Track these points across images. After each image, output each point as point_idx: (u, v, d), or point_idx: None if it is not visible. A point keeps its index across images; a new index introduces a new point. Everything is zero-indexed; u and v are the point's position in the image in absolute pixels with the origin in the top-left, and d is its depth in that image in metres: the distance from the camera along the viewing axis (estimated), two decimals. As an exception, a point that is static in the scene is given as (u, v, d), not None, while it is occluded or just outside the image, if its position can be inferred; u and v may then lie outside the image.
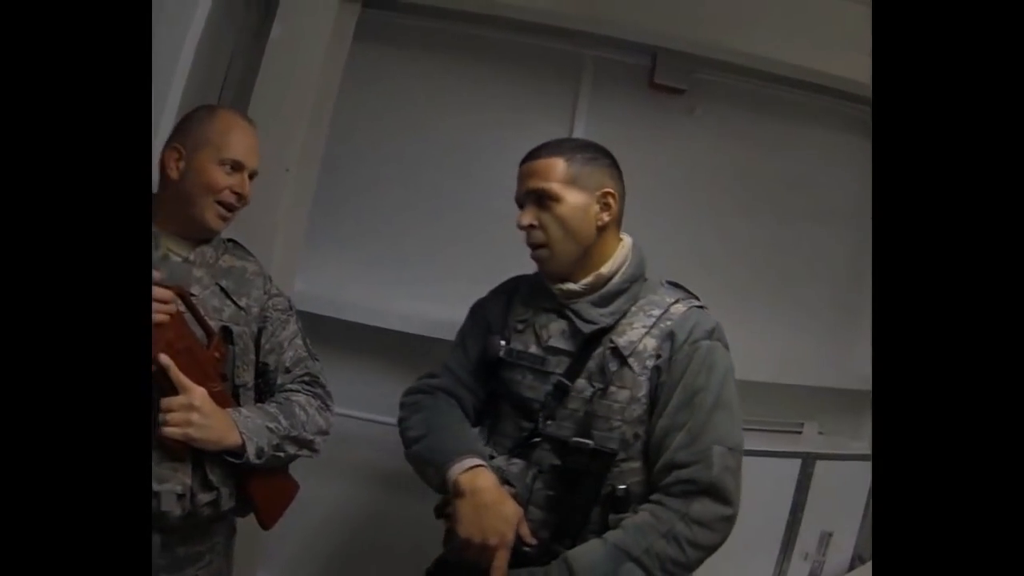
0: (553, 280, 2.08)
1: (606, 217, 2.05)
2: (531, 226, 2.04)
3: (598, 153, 2.10)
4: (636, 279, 2.08)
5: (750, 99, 3.61)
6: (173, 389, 1.84)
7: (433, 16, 3.51)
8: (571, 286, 2.06)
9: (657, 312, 2.01)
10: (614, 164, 2.12)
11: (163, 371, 1.82)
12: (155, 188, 2.04)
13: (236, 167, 2.05)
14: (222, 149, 2.04)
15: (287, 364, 2.16)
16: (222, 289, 2.07)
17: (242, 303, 2.09)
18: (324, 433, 2.14)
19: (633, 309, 2.03)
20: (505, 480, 1.94)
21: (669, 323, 1.99)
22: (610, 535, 1.84)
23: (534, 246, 2.06)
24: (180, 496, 1.88)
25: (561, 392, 2.00)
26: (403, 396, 2.24)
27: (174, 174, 2.03)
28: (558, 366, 2.02)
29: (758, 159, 3.52)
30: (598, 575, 1.79)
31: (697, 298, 2.11)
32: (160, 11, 2.43)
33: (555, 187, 2.01)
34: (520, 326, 2.13)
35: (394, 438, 2.54)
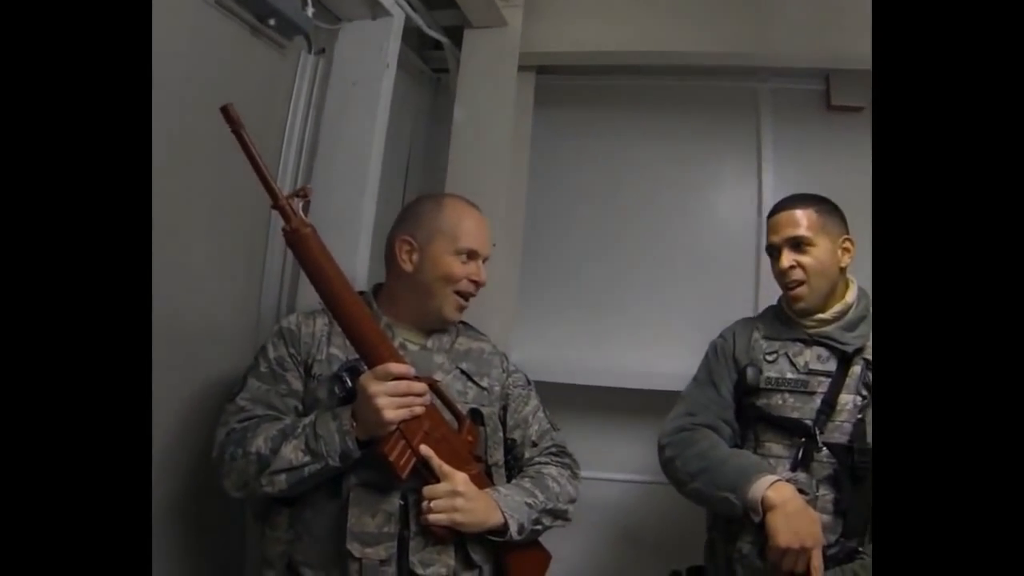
0: (804, 315, 2.37)
1: (847, 259, 2.39)
2: (791, 267, 2.32)
3: (833, 207, 2.41)
4: (870, 309, 2.34)
5: (932, 105, 3.51)
6: (435, 477, 1.88)
7: (607, 73, 3.59)
8: (822, 316, 2.35)
9: None
10: (843, 216, 2.42)
11: (424, 461, 1.87)
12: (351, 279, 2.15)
13: (471, 255, 2.11)
14: (457, 239, 2.09)
15: (533, 438, 2.19)
16: (463, 372, 2.11)
17: (484, 384, 2.13)
18: (574, 501, 2.16)
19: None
20: (800, 490, 2.12)
21: None
22: None
23: (794, 284, 2.34)
24: None
25: (829, 407, 2.24)
26: (665, 437, 2.39)
27: (408, 266, 2.09)
28: (820, 386, 2.28)
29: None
30: None
31: None
32: (349, 100, 2.54)
33: (811, 234, 2.32)
34: (771, 357, 2.37)
35: (619, 493, 2.58)
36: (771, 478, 2.10)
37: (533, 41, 3.26)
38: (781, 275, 2.37)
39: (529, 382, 2.28)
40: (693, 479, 2.24)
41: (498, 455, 2.12)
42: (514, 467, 2.17)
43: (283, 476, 1.81)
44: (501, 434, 2.15)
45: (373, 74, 2.68)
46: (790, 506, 2.05)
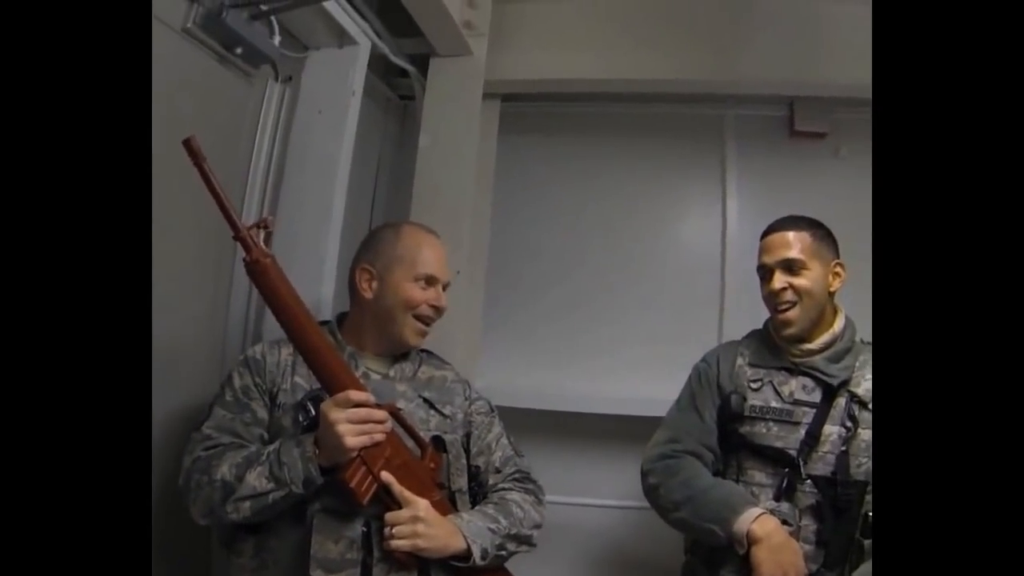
0: (791, 342, 2.36)
1: (837, 284, 2.38)
2: (783, 289, 2.31)
3: (827, 231, 2.41)
4: (855, 339, 2.36)
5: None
6: (397, 504, 1.89)
7: (572, 101, 3.63)
8: (809, 346, 2.34)
9: None
10: (835, 241, 2.42)
11: (386, 487, 1.88)
12: (325, 308, 2.17)
13: (430, 281, 2.15)
14: (415, 266, 2.13)
15: (497, 464, 2.20)
16: (426, 400, 2.13)
17: (447, 411, 2.15)
18: (539, 527, 2.17)
19: (857, 364, 2.30)
20: (783, 521, 2.15)
21: None
22: None
23: (785, 307, 2.32)
24: None
25: (814, 439, 2.23)
26: (648, 463, 2.39)
27: (368, 294, 2.13)
28: (804, 416, 2.27)
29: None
30: None
31: None
32: (315, 127, 2.57)
33: (804, 257, 2.31)
34: (756, 384, 2.36)
35: (590, 517, 2.58)
36: (756, 511, 2.13)
37: (498, 69, 3.29)
38: (772, 296, 2.35)
39: (492, 409, 2.30)
40: (678, 508, 2.25)
41: (461, 482, 2.13)
42: (478, 494, 2.18)
43: (247, 503, 1.81)
44: (464, 461, 2.16)
45: (339, 102, 2.71)
46: (774, 539, 2.08)
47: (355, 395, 1.82)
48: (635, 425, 2.72)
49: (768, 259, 2.37)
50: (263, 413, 2.00)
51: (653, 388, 2.71)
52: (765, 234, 2.43)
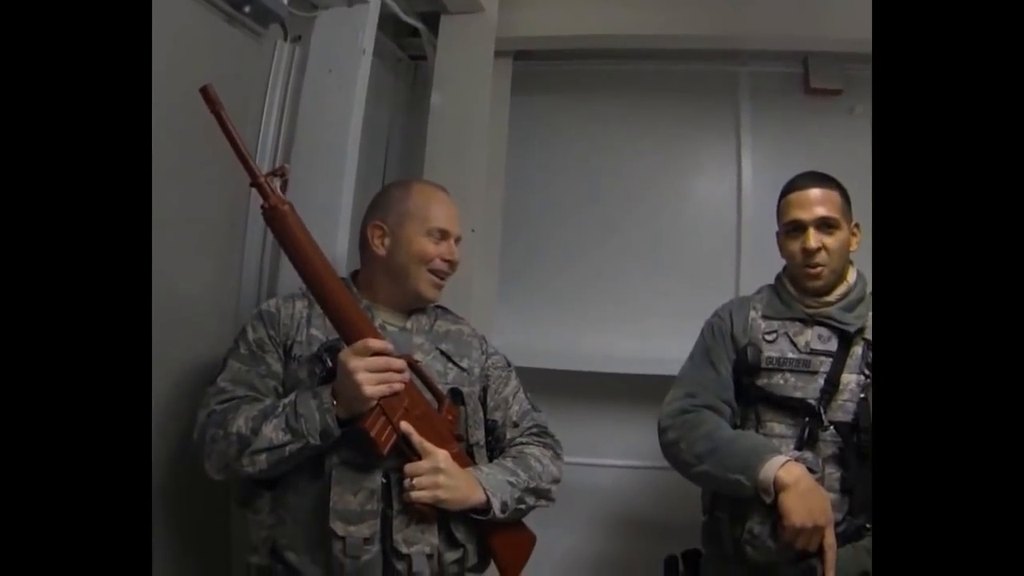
0: (814, 295, 2.36)
1: (855, 245, 2.40)
2: (819, 249, 2.30)
3: (846, 191, 2.39)
4: (866, 291, 2.36)
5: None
6: (416, 454, 1.88)
7: (584, 58, 3.62)
8: (827, 299, 2.35)
9: None
10: None
11: (405, 438, 1.87)
12: (342, 266, 2.20)
13: (443, 235, 2.13)
14: (427, 220, 2.12)
15: (514, 418, 2.19)
16: (443, 353, 2.12)
17: (464, 364, 2.14)
18: (557, 481, 2.17)
19: (871, 314, 2.28)
20: (809, 469, 2.11)
21: None
22: None
23: (818, 264, 2.31)
24: (429, 556, 1.91)
25: (832, 387, 2.24)
26: (666, 419, 2.36)
27: (380, 250, 2.12)
28: (821, 365, 2.27)
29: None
30: None
31: None
32: (326, 87, 2.55)
33: (838, 216, 2.32)
34: (770, 337, 2.36)
35: (605, 477, 2.58)
36: (782, 458, 2.11)
37: (509, 26, 3.28)
38: (805, 254, 2.32)
39: (509, 364, 2.29)
40: (701, 461, 2.23)
41: (479, 435, 2.12)
42: (496, 448, 2.18)
43: (263, 456, 1.81)
44: (481, 414, 2.15)
45: (349, 61, 2.67)
46: (802, 485, 2.05)
47: (374, 343, 1.82)
48: (651, 384, 2.70)
49: (804, 215, 2.33)
50: (277, 366, 1.99)
51: (669, 347, 2.69)
52: (792, 189, 2.40)
